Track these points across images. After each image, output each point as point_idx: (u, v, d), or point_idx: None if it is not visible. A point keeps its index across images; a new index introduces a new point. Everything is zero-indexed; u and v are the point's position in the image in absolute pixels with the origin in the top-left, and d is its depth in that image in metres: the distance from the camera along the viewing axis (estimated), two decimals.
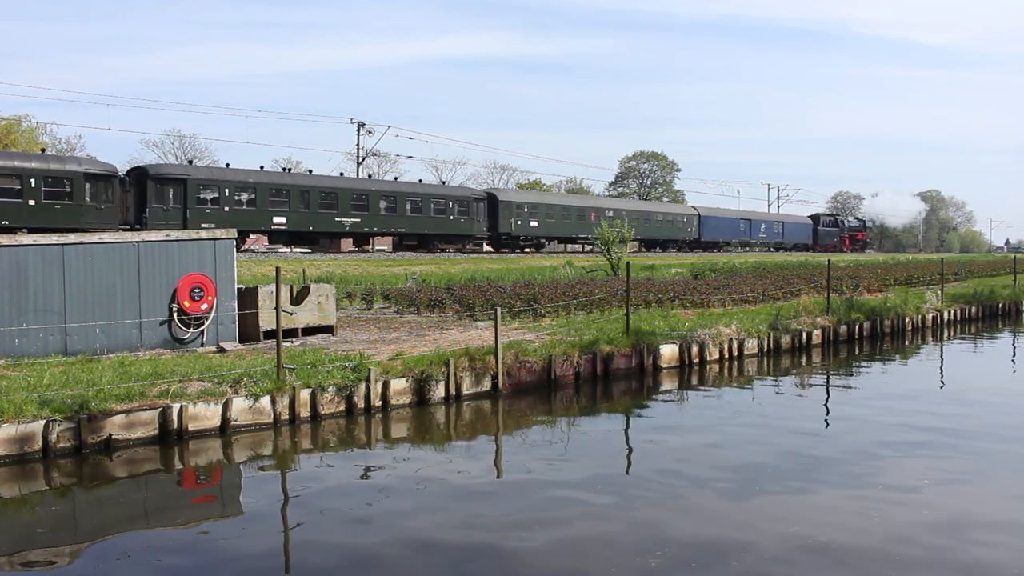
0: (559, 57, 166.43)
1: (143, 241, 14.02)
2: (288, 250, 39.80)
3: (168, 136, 75.78)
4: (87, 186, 31.45)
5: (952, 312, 26.10)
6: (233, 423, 10.94)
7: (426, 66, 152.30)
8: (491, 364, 13.44)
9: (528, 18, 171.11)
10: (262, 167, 41.16)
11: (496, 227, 49.19)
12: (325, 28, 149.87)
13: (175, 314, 14.06)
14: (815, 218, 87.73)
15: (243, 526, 8.10)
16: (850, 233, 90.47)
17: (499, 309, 13.67)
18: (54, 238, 13.45)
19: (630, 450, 11.17)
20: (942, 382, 16.55)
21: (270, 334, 14.67)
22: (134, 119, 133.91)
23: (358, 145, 61.21)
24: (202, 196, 35.54)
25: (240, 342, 14.87)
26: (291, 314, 15.39)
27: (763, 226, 75.91)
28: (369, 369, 12.23)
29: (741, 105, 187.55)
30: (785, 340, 19.01)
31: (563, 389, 14.24)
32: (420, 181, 48.45)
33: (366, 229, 41.57)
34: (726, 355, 17.41)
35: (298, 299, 15.77)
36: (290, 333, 15.34)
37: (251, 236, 39.82)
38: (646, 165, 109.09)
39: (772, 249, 75.54)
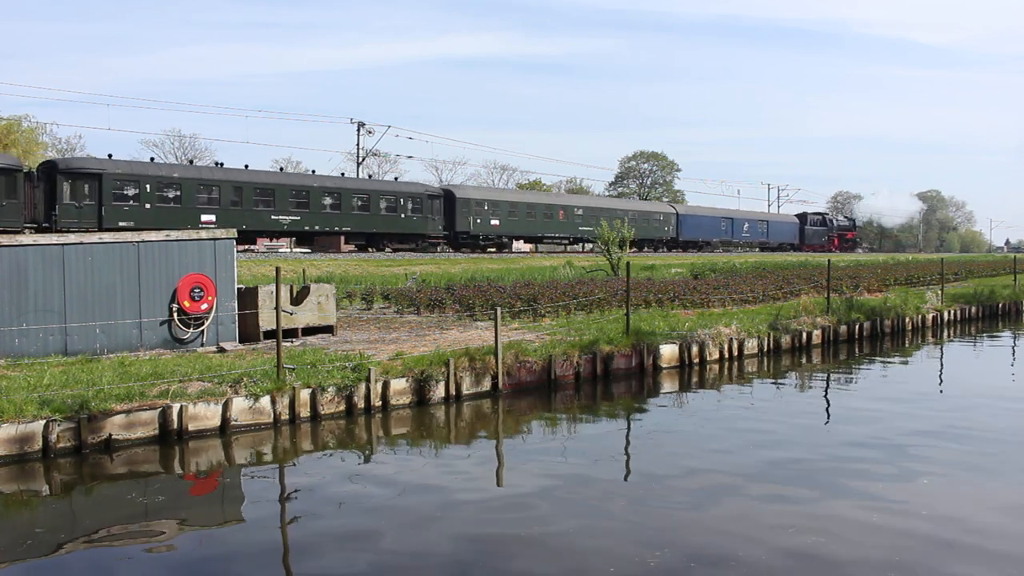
0: (559, 57, 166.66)
1: (143, 241, 14.02)
2: (288, 250, 39.75)
3: (168, 136, 75.93)
4: None
5: (952, 312, 26.10)
6: (233, 423, 10.94)
7: (426, 66, 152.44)
8: (491, 364, 13.44)
9: (528, 18, 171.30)
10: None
11: (453, 226, 46.82)
12: (325, 28, 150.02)
13: (175, 314, 14.06)
14: (802, 217, 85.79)
15: (243, 526, 8.10)
16: (839, 232, 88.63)
17: (499, 309, 13.67)
18: (54, 238, 13.46)
19: (630, 450, 11.17)
20: (942, 382, 16.55)
21: (270, 334, 14.67)
22: (134, 119, 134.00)
23: (358, 145, 61.25)
24: (120, 192, 33.52)
25: (240, 342, 14.87)
26: (291, 314, 15.39)
27: (746, 225, 73.67)
28: (369, 369, 12.23)
29: (741, 105, 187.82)
30: (785, 340, 19.01)
31: (563, 389, 14.24)
32: (370, 177, 46.52)
33: (307, 228, 39.41)
34: (726, 355, 17.41)
35: (298, 299, 15.77)
36: (290, 333, 15.34)
37: None
38: (646, 165, 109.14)
39: (757, 249, 73.49)
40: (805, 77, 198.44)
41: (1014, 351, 21.55)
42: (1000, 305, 29.42)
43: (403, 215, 43.47)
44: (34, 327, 12.91)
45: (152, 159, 38.58)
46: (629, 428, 12.36)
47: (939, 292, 27.09)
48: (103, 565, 7.05)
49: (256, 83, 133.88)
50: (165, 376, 11.27)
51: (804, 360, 18.50)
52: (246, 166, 39.66)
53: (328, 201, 40.42)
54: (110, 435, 10.09)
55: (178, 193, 35.35)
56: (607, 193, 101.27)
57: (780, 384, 15.88)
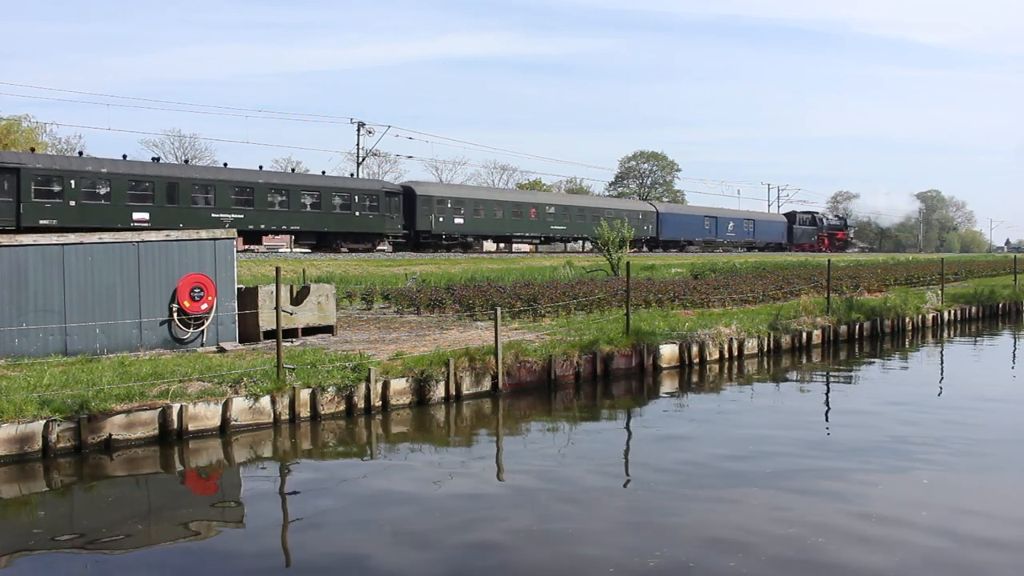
0: (559, 57, 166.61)
1: (143, 241, 14.03)
2: (288, 250, 39.65)
3: (168, 136, 75.84)
4: None
5: (952, 312, 26.10)
6: (233, 423, 10.94)
7: (426, 66, 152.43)
8: (491, 364, 13.44)
9: (528, 18, 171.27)
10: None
11: (414, 224, 44.53)
12: (325, 28, 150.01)
13: (175, 314, 14.06)
14: (790, 216, 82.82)
15: (243, 526, 8.10)
16: (829, 232, 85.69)
17: (499, 309, 13.67)
18: (54, 238, 13.46)
19: (630, 450, 11.17)
20: (942, 383, 16.55)
21: (270, 334, 14.67)
22: (134, 119, 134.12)
23: (358, 145, 61.25)
24: (42, 189, 31.55)
25: (240, 342, 14.87)
26: (291, 314, 15.39)
27: (731, 224, 70.76)
28: (369, 369, 12.24)
29: (741, 105, 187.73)
30: (785, 340, 19.01)
31: (563, 389, 14.24)
32: (323, 173, 43.62)
33: (251, 226, 37.02)
34: (726, 355, 17.41)
35: (298, 299, 15.77)
36: (290, 333, 15.34)
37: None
38: (646, 165, 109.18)
39: (742, 249, 70.89)
40: (805, 77, 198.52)
41: (1014, 351, 21.55)
42: (1000, 305, 29.42)
43: (358, 213, 41.22)
44: (34, 327, 12.91)
45: (80, 153, 36.35)
46: (629, 428, 12.36)
47: (939, 292, 27.09)
48: (103, 565, 7.04)
49: (256, 83, 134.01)
50: (165, 376, 11.27)
51: (804, 360, 18.50)
52: (186, 161, 38.02)
53: (276, 198, 38.40)
54: (110, 435, 10.10)
55: (107, 190, 33.24)
56: (607, 193, 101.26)
57: (780, 384, 15.88)
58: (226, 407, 10.88)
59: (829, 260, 26.38)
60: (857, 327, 21.45)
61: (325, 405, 11.74)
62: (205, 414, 10.78)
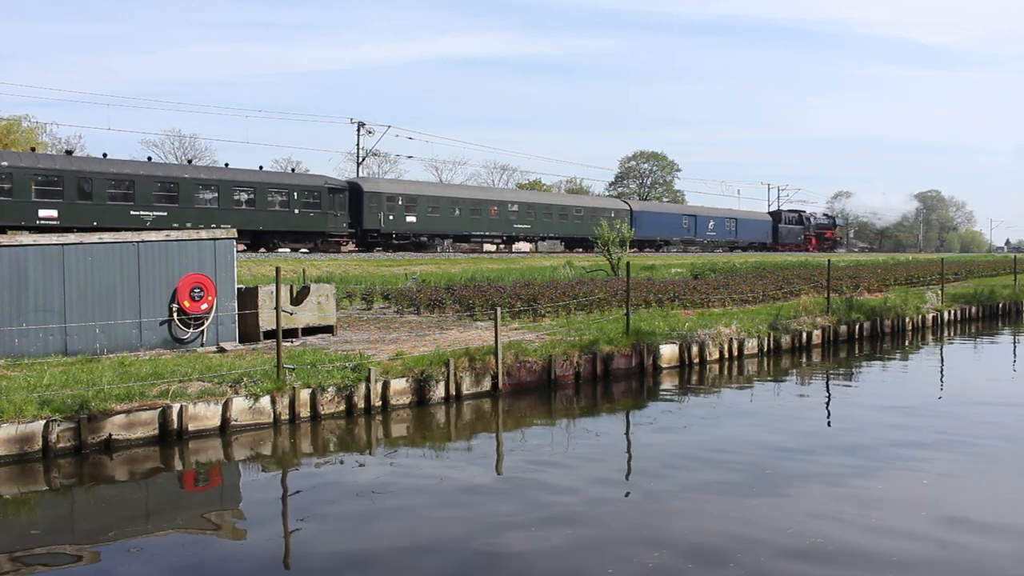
0: (559, 57, 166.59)
1: (143, 241, 14.03)
2: (288, 250, 39.45)
3: (168, 136, 75.94)
4: None
5: (952, 312, 26.10)
6: (233, 423, 10.94)
7: (426, 66, 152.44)
8: (491, 364, 13.44)
9: (528, 18, 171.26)
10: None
11: (360, 223, 42.20)
12: (325, 28, 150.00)
13: (175, 314, 14.06)
14: (776, 215, 79.66)
15: (243, 526, 8.10)
16: (817, 231, 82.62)
17: (499, 309, 13.67)
18: (54, 238, 13.46)
19: (629, 450, 11.18)
20: (942, 383, 16.55)
21: (270, 334, 14.67)
22: (134, 119, 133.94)
23: (358, 145, 61.29)
24: None
25: (240, 342, 14.87)
26: (291, 314, 15.39)
27: (711, 223, 67.96)
28: (369, 369, 12.24)
29: (741, 105, 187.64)
30: (785, 340, 19.01)
31: (563, 389, 14.24)
32: (260, 168, 40.41)
33: (176, 225, 34.07)
34: (726, 355, 17.42)
35: (298, 299, 15.77)
36: (290, 333, 15.34)
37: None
38: (646, 165, 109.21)
39: (725, 249, 68.27)
40: (805, 77, 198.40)
41: (1014, 351, 21.55)
42: (1000, 305, 29.42)
43: (297, 211, 38.71)
44: (34, 327, 12.91)
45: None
46: (629, 428, 12.36)
47: (939, 292, 27.09)
48: (103, 565, 7.04)
49: (256, 83, 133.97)
50: (165, 376, 11.27)
51: (804, 360, 18.50)
52: (104, 155, 35.09)
53: (206, 195, 36.00)
54: (110, 435, 10.10)
55: (9, 185, 30.72)
56: (607, 193, 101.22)
57: (780, 384, 15.88)
58: (226, 407, 10.89)
59: (829, 260, 26.39)
60: (857, 327, 21.45)
61: (325, 405, 11.74)
62: (205, 414, 10.78)
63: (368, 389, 12.10)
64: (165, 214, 34.62)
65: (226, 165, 39.03)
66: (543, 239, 54.78)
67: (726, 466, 9.79)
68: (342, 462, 10.27)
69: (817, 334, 20.13)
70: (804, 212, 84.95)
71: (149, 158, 41.30)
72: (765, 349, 18.46)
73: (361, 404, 12.06)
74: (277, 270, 12.33)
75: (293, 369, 11.94)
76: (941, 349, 21.51)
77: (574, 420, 12.61)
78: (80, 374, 11.23)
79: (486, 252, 48.46)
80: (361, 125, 60.24)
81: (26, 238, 13.22)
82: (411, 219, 44.28)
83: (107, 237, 13.99)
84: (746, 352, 17.90)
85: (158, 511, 8.63)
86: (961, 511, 8.26)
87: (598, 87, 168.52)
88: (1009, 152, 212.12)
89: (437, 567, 6.87)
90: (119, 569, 6.99)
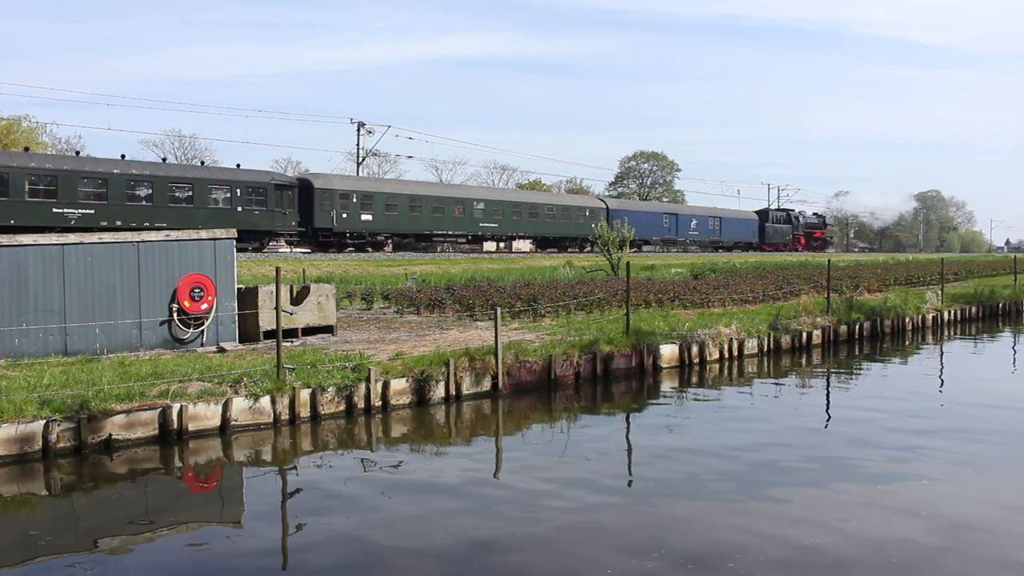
0: (559, 57, 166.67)
1: (143, 241, 14.03)
2: (288, 250, 39.30)
3: (168, 136, 75.92)
4: None
5: (952, 312, 26.10)
6: (233, 423, 10.94)
7: (426, 66, 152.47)
8: (491, 364, 13.44)
9: (528, 18, 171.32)
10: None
11: (311, 221, 39.96)
12: (325, 28, 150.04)
13: (175, 314, 14.06)
14: (762, 213, 76.72)
15: (243, 526, 8.10)
16: (806, 230, 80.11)
17: (499, 309, 13.67)
18: (54, 238, 13.46)
19: (629, 450, 11.18)
20: (942, 383, 16.54)
21: (270, 334, 14.67)
22: (134, 119, 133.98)
23: (358, 145, 61.33)
24: None
25: (240, 342, 14.87)
26: (291, 314, 15.39)
27: (693, 222, 65.55)
28: (369, 369, 12.24)
29: (741, 105, 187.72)
30: (785, 340, 19.01)
31: (563, 389, 14.24)
32: (202, 164, 38.62)
33: (104, 223, 31.99)
34: (726, 355, 17.41)
35: (298, 299, 15.77)
36: (290, 333, 15.34)
37: None
38: (646, 165, 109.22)
39: (710, 249, 66.33)
40: (805, 77, 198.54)
41: (1014, 351, 21.55)
42: (1000, 305, 29.42)
43: (240, 208, 36.38)
44: (34, 327, 12.91)
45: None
46: (629, 428, 12.36)
47: (939, 292, 27.09)
48: (103, 565, 7.04)
49: (256, 83, 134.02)
50: (165, 376, 11.27)
51: (804, 360, 18.50)
52: (26, 149, 32.88)
53: (140, 192, 33.77)
54: (110, 435, 10.10)
55: None
56: (607, 193, 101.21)
57: (780, 384, 15.88)
58: (226, 407, 10.89)
59: (829, 260, 26.38)
60: (857, 327, 21.45)
61: (325, 405, 11.74)
62: (205, 414, 10.78)
63: (368, 389, 12.10)
64: (92, 212, 32.53)
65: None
66: (512, 239, 53.30)
67: (726, 467, 9.79)
68: (342, 462, 10.27)
69: (817, 334, 20.13)
70: (793, 211, 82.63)
71: (77, 152, 38.19)
72: (765, 349, 18.46)
73: (361, 404, 12.06)
74: (277, 270, 12.33)
75: (293, 369, 11.95)
76: (941, 349, 21.51)
77: (574, 420, 12.61)
78: (80, 374, 11.23)
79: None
80: (361, 125, 60.28)
81: (26, 238, 13.23)
82: (366, 217, 42.09)
83: (107, 237, 13.99)
84: (746, 352, 17.90)
85: (158, 511, 8.63)
86: (962, 511, 8.26)
87: (598, 87, 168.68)
88: (1009, 152, 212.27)
89: (437, 567, 6.87)
90: (119, 569, 6.99)
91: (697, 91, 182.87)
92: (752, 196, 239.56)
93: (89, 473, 9.53)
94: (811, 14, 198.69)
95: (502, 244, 56.09)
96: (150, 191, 34.10)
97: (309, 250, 40.53)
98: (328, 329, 16.47)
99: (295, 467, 10.09)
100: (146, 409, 10.39)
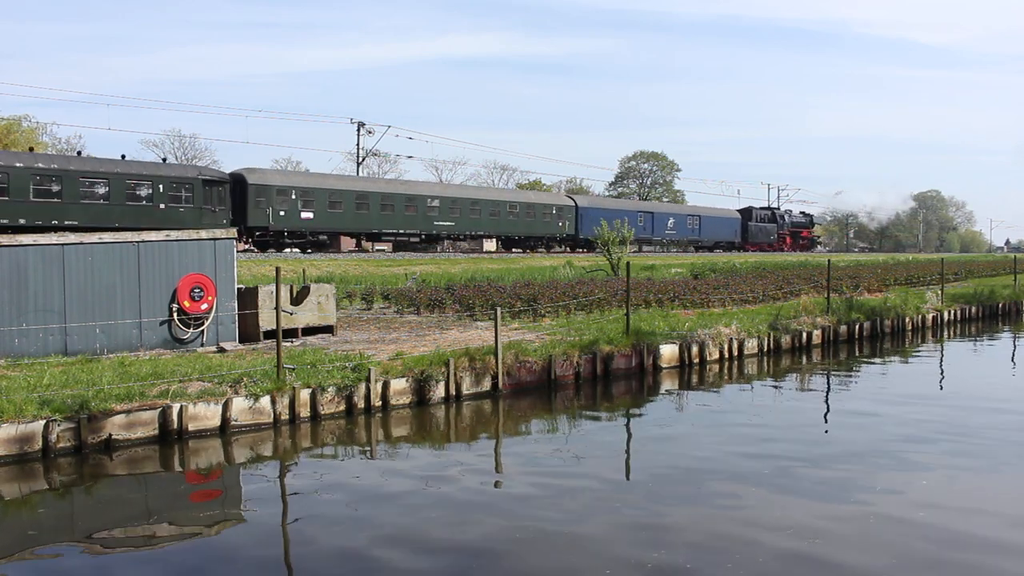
0: (559, 57, 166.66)
1: (143, 241, 14.03)
2: (288, 250, 39.28)
3: (168, 136, 75.84)
4: None
5: (952, 312, 26.10)
6: (233, 423, 10.94)
7: (426, 66, 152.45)
8: (491, 364, 13.44)
9: (528, 18, 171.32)
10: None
11: (244, 219, 37.00)
12: (325, 28, 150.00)
13: (175, 314, 14.06)
14: (745, 212, 73.56)
15: (243, 526, 8.10)
16: (792, 230, 77.75)
17: (499, 309, 13.67)
18: (54, 238, 13.46)
19: (629, 450, 11.18)
20: (942, 383, 16.55)
21: (270, 334, 14.67)
22: (134, 119, 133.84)
23: (358, 145, 61.28)
24: None
25: (240, 342, 14.87)
26: (291, 314, 15.39)
27: (671, 221, 63.12)
28: (369, 369, 12.24)
29: (741, 105, 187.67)
30: (785, 340, 19.01)
31: (563, 389, 14.24)
32: (123, 157, 35.03)
33: (6, 221, 29.75)
34: (726, 355, 17.41)
35: (298, 299, 15.77)
36: (290, 333, 15.34)
37: None
38: (646, 165, 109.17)
39: (688, 249, 64.10)
40: (805, 77, 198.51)
41: (1014, 351, 21.55)
42: (1000, 305, 29.42)
43: (164, 205, 33.93)
44: (34, 327, 12.91)
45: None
46: (629, 428, 12.36)
47: (939, 292, 27.09)
48: (103, 565, 7.05)
49: (256, 83, 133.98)
50: (165, 376, 11.27)
51: (804, 360, 18.50)
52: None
53: (49, 187, 31.11)
54: (110, 435, 10.10)
55: None
56: (607, 193, 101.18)
57: (780, 384, 15.88)
58: (226, 407, 10.89)
59: (829, 260, 26.39)
60: (857, 327, 21.45)
61: (325, 405, 11.74)
62: (205, 414, 10.78)
63: (368, 389, 12.10)
64: None
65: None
66: (472, 238, 51.11)
67: (725, 466, 9.79)
68: (342, 462, 10.27)
69: (817, 334, 20.13)
70: (779, 210, 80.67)
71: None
72: (765, 349, 18.46)
73: (361, 404, 12.06)
74: (277, 270, 12.33)
75: (293, 369, 11.95)
76: (941, 349, 21.51)
77: (574, 420, 12.61)
78: (80, 374, 11.23)
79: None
80: (361, 125, 60.25)
81: (26, 238, 13.22)
82: (307, 215, 39.24)
83: (107, 237, 13.99)
84: (746, 352, 17.90)
85: (158, 511, 8.63)
86: (961, 511, 8.26)
87: (598, 87, 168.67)
88: (1009, 152, 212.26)
89: (436, 567, 6.87)
90: (119, 569, 6.99)
91: (697, 91, 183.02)
92: (753, 196, 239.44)
93: (89, 473, 9.53)
94: (811, 14, 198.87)
95: (465, 244, 54.16)
96: (59, 187, 31.32)
97: (244, 249, 37.69)
98: (328, 329, 16.47)
99: (295, 467, 10.09)
100: (146, 409, 10.39)
